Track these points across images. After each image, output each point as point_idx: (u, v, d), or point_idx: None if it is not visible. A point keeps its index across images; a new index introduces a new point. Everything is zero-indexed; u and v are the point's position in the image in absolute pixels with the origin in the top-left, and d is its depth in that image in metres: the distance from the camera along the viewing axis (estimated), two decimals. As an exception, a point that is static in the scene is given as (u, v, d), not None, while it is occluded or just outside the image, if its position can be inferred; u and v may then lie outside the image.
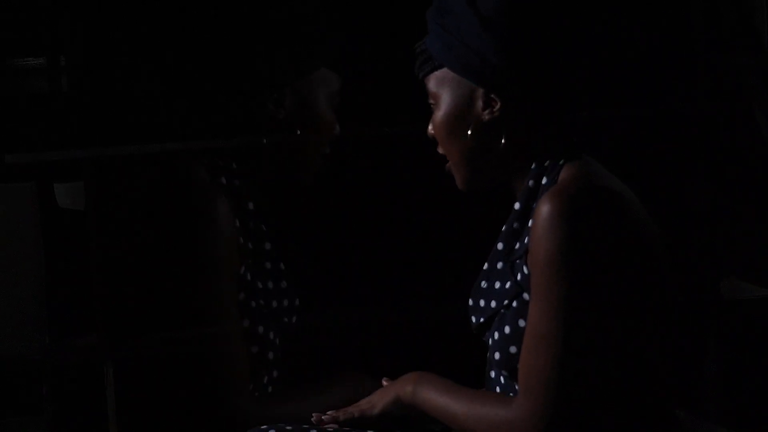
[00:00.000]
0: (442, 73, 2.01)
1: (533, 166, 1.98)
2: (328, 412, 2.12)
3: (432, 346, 2.73)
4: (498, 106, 1.97)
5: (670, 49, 2.78)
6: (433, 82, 2.02)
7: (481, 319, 2.03)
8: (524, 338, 1.90)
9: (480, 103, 1.98)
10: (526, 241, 1.94)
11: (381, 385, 2.26)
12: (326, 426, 2.11)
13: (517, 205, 2.00)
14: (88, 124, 2.60)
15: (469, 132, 1.99)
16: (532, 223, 1.90)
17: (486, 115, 1.98)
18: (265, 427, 2.06)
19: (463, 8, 1.97)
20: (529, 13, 1.96)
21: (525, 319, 1.94)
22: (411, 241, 2.76)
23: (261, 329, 2.29)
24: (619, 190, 1.93)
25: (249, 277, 2.29)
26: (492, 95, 1.97)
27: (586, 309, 1.87)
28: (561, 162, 1.96)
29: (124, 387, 2.43)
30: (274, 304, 2.34)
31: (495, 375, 2.04)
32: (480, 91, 1.98)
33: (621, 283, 1.88)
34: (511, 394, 1.98)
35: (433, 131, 2.05)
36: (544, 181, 1.97)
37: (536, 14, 1.97)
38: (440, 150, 2.06)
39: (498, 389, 2.03)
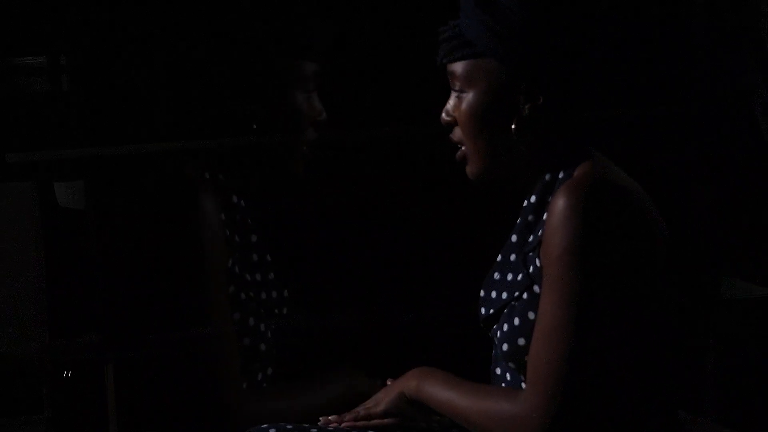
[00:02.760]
0: (483, 61, 1.99)
1: (550, 161, 1.99)
2: (334, 417, 2.12)
3: (430, 340, 2.73)
4: (540, 102, 1.97)
5: (670, 49, 2.78)
6: (465, 70, 2.00)
7: (491, 311, 2.03)
8: (534, 331, 1.90)
9: (521, 98, 1.98)
10: (539, 233, 1.95)
11: (374, 381, 2.27)
12: (328, 426, 2.11)
13: (532, 199, 2.00)
14: (89, 123, 2.59)
15: (505, 126, 1.99)
16: (547, 216, 1.91)
17: (526, 110, 1.98)
18: (265, 426, 2.05)
19: (515, 1, 1.97)
20: (573, 14, 1.97)
21: (535, 312, 1.95)
22: (406, 237, 2.76)
23: (252, 321, 2.30)
24: (632, 188, 1.94)
25: (237, 270, 2.29)
26: (536, 92, 1.97)
27: (597, 303, 1.87)
28: (577, 158, 1.97)
29: (124, 387, 2.43)
30: (263, 295, 2.34)
31: (501, 371, 2.04)
32: (524, 86, 1.98)
33: (630, 278, 1.88)
34: (522, 385, 1.98)
35: (449, 118, 2.04)
36: (560, 175, 1.97)
37: (577, 15, 1.98)
38: (456, 137, 2.05)
39: (504, 386, 2.03)
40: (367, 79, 2.74)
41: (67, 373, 2.50)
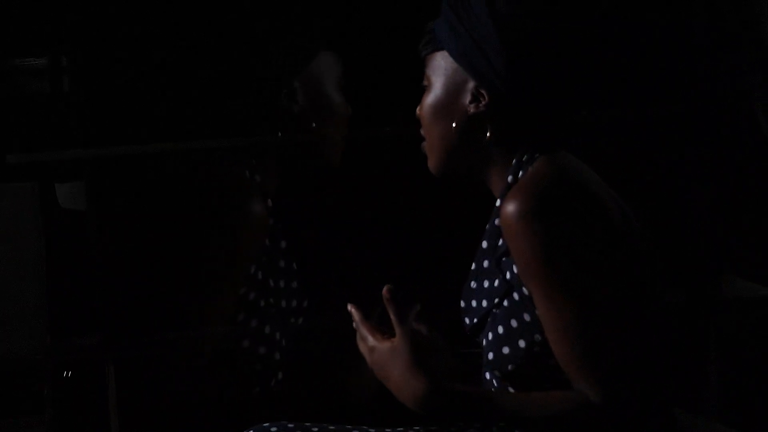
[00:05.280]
0: (442, 57, 2.02)
1: (513, 162, 1.99)
2: None
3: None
4: (485, 102, 1.98)
5: (670, 49, 2.78)
6: (432, 64, 2.04)
7: (475, 320, 2.02)
8: (552, 342, 1.88)
9: (468, 96, 1.99)
10: (503, 236, 1.94)
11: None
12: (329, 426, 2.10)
13: (497, 202, 2.00)
14: (90, 124, 2.60)
15: (452, 122, 2.00)
16: (501, 222, 1.90)
17: (471, 108, 1.99)
18: (266, 425, 2.06)
19: (480, 3, 1.98)
20: (539, 23, 1.97)
21: (517, 319, 1.94)
22: (428, 243, 2.76)
23: (268, 329, 2.29)
24: (586, 183, 1.92)
25: (260, 276, 2.29)
26: (482, 90, 1.97)
27: (590, 292, 1.86)
28: (537, 156, 1.97)
29: (125, 387, 2.43)
30: (283, 303, 2.34)
31: (489, 377, 2.03)
32: (471, 84, 1.99)
33: (598, 271, 1.87)
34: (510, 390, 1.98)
35: (420, 112, 2.06)
36: (520, 175, 1.97)
37: (545, 24, 1.98)
38: (422, 131, 2.07)
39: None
40: (367, 78, 2.74)
41: (68, 373, 2.50)
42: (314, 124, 2.34)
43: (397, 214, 2.77)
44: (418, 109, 2.07)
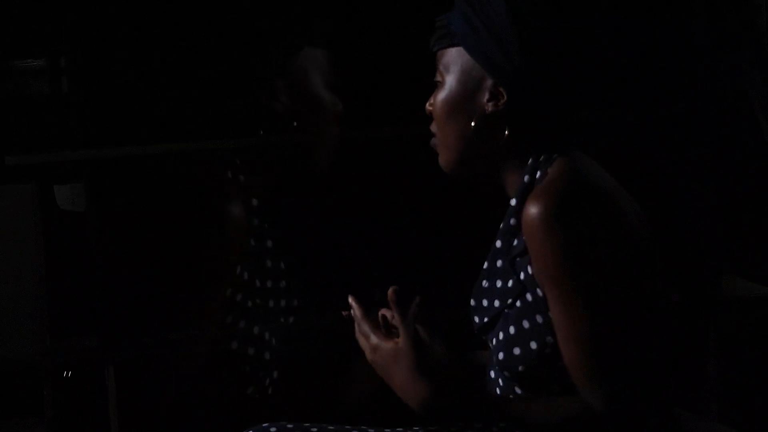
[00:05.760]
0: (458, 52, 1.99)
1: (530, 161, 1.97)
2: None
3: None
4: (503, 100, 1.96)
5: (670, 49, 2.78)
6: (445, 59, 2.00)
7: (485, 319, 2.01)
8: (562, 344, 1.87)
9: (486, 94, 1.97)
10: (523, 238, 1.93)
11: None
12: (328, 426, 2.10)
13: (513, 202, 1.98)
14: (89, 125, 2.60)
15: (469, 120, 1.98)
16: (523, 224, 1.89)
17: (489, 107, 1.97)
18: (266, 425, 2.06)
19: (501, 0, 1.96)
20: (556, 18, 1.96)
21: (529, 320, 1.93)
22: (416, 242, 2.75)
23: (257, 330, 2.28)
24: (605, 185, 1.92)
25: (246, 276, 2.28)
26: (500, 88, 1.96)
27: (603, 300, 1.86)
28: (554, 156, 1.95)
29: (124, 388, 2.43)
30: (271, 303, 2.33)
31: (495, 375, 2.03)
32: (489, 81, 1.96)
33: (617, 276, 1.87)
34: (517, 389, 1.97)
35: (431, 108, 2.04)
36: (538, 175, 1.96)
37: (561, 19, 1.96)
38: (433, 127, 2.05)
39: (498, 391, 2.02)
40: (366, 78, 2.74)
41: (68, 375, 2.50)
42: (295, 123, 2.31)
43: (393, 213, 2.77)
44: (428, 104, 2.04)
